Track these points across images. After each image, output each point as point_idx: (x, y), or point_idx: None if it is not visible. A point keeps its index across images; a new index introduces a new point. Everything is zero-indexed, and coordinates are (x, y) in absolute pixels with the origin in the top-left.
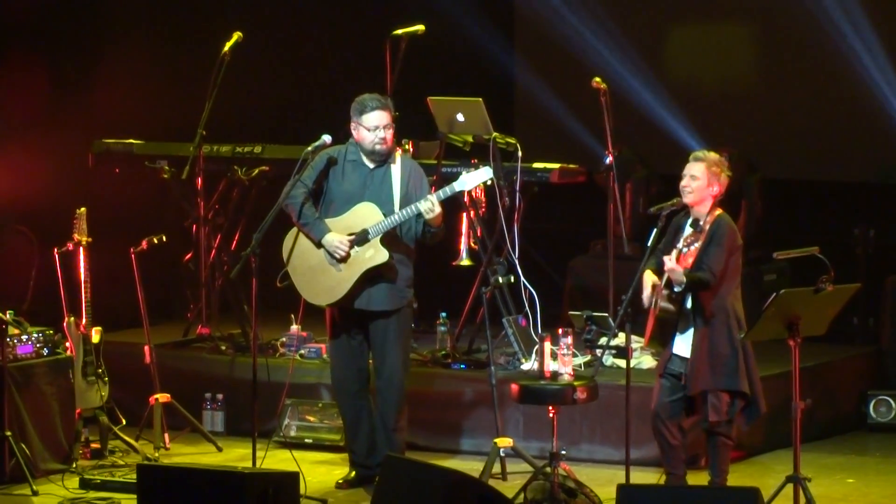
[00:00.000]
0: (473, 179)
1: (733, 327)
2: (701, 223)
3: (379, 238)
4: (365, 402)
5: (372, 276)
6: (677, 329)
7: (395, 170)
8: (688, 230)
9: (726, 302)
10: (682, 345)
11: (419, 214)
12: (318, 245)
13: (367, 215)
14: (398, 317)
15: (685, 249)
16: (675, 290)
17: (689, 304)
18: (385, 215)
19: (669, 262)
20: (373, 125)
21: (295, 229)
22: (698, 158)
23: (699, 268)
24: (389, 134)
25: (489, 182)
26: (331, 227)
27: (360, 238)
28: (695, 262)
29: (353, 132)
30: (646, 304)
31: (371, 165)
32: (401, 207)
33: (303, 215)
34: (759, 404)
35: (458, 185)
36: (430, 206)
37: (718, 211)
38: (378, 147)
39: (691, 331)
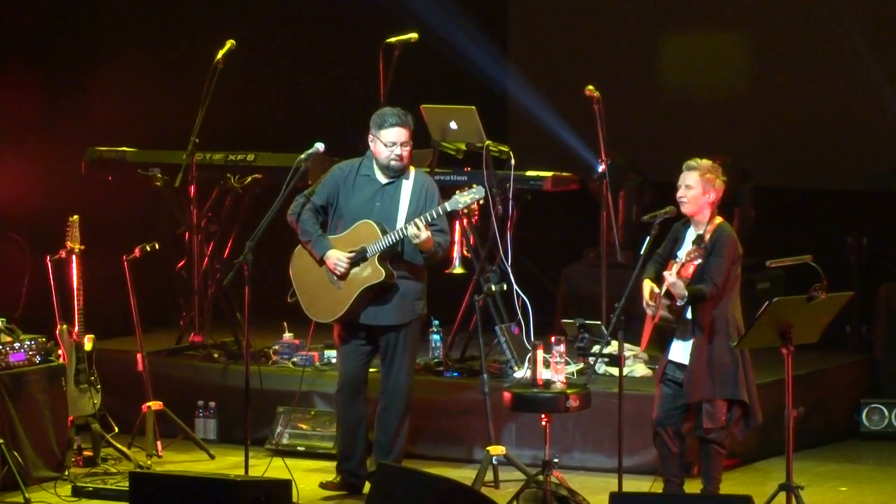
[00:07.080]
0: (465, 199)
1: (733, 336)
2: (702, 233)
3: (377, 257)
4: (363, 409)
5: (377, 293)
6: (675, 336)
7: (406, 186)
8: (690, 245)
9: (727, 311)
10: (679, 352)
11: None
12: (320, 262)
13: (366, 233)
14: (407, 330)
15: (685, 259)
16: (678, 303)
17: (688, 315)
18: (385, 233)
19: (670, 276)
20: (390, 141)
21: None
22: (691, 167)
23: (701, 280)
24: (406, 151)
25: (481, 201)
26: (333, 244)
27: (359, 256)
28: (695, 273)
29: (371, 144)
30: (647, 310)
31: (383, 181)
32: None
33: (306, 233)
34: (755, 415)
35: (449, 205)
36: (414, 231)
37: (719, 220)
38: (393, 163)
39: (690, 339)
